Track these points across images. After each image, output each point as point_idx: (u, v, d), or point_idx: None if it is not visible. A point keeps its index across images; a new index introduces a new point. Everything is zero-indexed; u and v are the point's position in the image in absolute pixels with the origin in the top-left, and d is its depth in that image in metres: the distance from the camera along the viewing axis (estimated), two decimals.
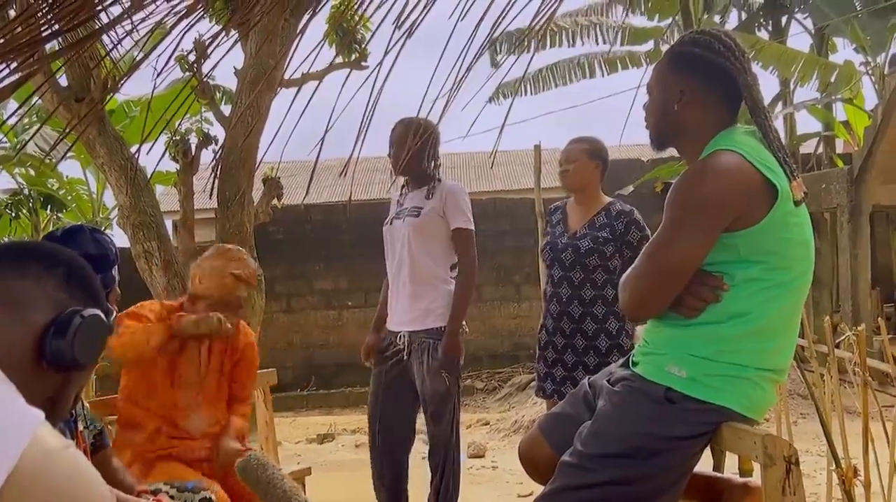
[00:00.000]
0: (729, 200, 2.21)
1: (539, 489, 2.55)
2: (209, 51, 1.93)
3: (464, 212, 4.20)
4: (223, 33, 1.94)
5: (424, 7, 1.80)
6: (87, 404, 2.81)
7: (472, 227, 4.22)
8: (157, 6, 1.91)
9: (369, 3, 1.84)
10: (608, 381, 2.50)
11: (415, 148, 4.10)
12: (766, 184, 2.22)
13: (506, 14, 1.80)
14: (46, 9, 1.91)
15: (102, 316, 1.36)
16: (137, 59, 1.97)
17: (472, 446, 7.70)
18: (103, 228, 15.43)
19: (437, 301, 4.18)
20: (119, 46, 2.21)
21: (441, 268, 4.22)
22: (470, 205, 4.25)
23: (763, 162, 2.24)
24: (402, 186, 4.39)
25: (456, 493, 4.24)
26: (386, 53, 1.79)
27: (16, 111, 2.98)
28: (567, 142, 4.35)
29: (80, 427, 2.67)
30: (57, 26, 1.93)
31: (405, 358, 4.19)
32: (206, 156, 8.47)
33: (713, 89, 2.38)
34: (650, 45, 15.70)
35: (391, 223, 4.31)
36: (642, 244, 4.17)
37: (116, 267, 2.64)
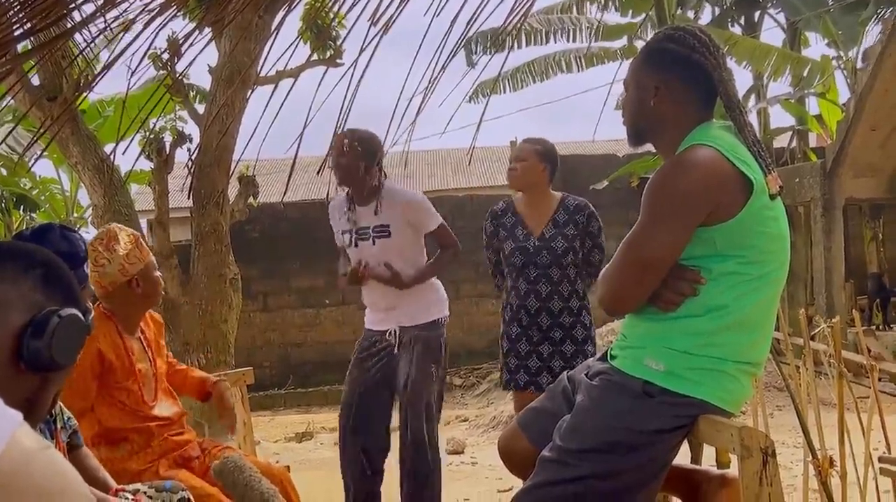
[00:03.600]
0: (704, 194, 2.22)
1: (518, 484, 2.57)
2: (183, 49, 1.92)
3: (430, 214, 4.26)
4: (197, 31, 1.93)
5: (399, 4, 1.80)
6: (61, 403, 2.79)
7: (441, 219, 4.29)
8: (130, 4, 1.90)
9: (344, 1, 1.83)
10: (586, 375, 2.51)
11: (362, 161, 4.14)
12: (742, 178, 2.23)
13: (480, 11, 1.80)
14: (18, 7, 1.89)
15: (80, 315, 1.35)
16: (111, 57, 1.96)
17: (451, 442, 7.71)
18: (78, 228, 15.34)
19: (429, 296, 4.25)
20: (92, 45, 2.20)
21: (414, 270, 4.24)
22: (428, 201, 4.32)
23: (738, 156, 2.26)
24: (349, 202, 4.31)
25: (430, 493, 4.23)
26: (361, 51, 1.79)
27: None
28: (521, 141, 4.44)
29: (59, 426, 2.66)
30: (29, 25, 1.91)
31: (395, 351, 4.18)
32: (181, 154, 8.42)
33: (688, 85, 2.39)
34: (625, 40, 15.75)
35: (356, 245, 4.24)
36: (601, 233, 4.28)
37: (87, 264, 2.64)
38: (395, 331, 4.20)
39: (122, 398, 3.21)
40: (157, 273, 3.38)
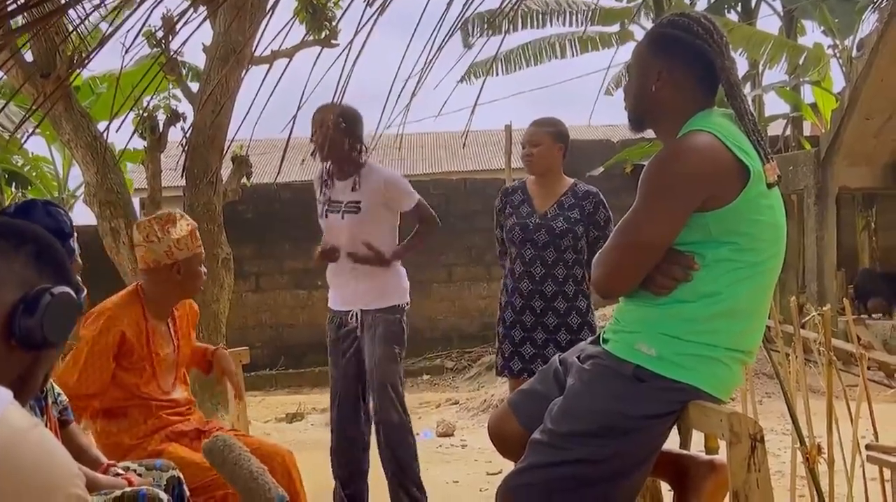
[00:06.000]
0: (700, 179, 2.23)
1: (508, 466, 2.57)
2: (178, 27, 1.91)
3: (408, 193, 4.31)
4: (192, 9, 1.92)
5: None
6: (52, 380, 2.79)
7: (418, 196, 4.36)
8: None
9: None
10: (578, 358, 2.52)
11: (334, 134, 4.16)
12: (739, 165, 2.24)
13: None
14: None
15: (72, 293, 1.35)
16: (105, 34, 1.95)
17: (441, 425, 7.73)
18: (68, 206, 15.30)
19: (390, 280, 4.28)
20: (86, 21, 2.18)
21: (389, 251, 4.28)
22: (406, 181, 4.38)
23: (736, 143, 2.27)
24: (326, 174, 4.35)
25: (412, 470, 4.27)
26: (357, 32, 1.78)
27: None
28: (529, 124, 4.36)
29: (49, 402, 2.66)
30: (23, 0, 1.90)
31: (358, 334, 4.25)
32: (175, 133, 8.38)
33: (691, 71, 2.39)
34: (620, 25, 15.71)
35: (326, 216, 4.31)
36: (608, 224, 4.21)
37: (74, 239, 2.64)
38: (356, 314, 4.26)
39: (131, 379, 3.24)
40: (203, 268, 3.43)
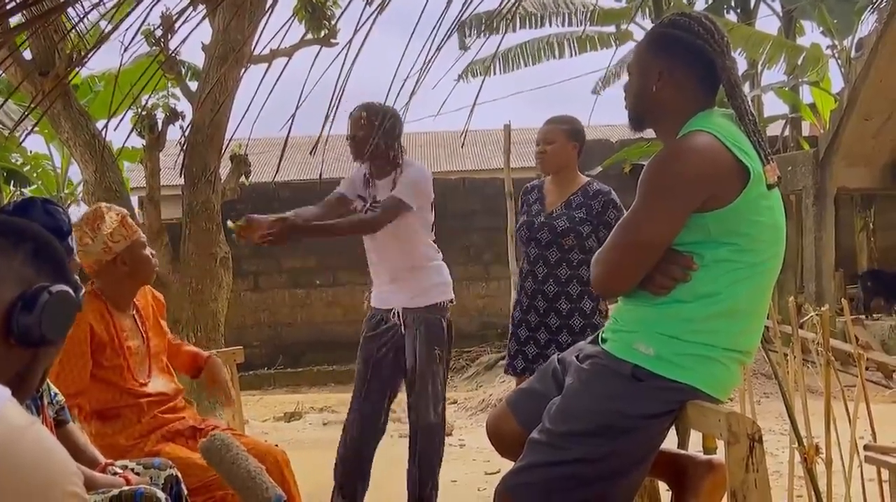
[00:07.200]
0: (700, 180, 2.23)
1: (506, 466, 2.57)
2: (176, 25, 1.91)
3: (409, 189, 4.09)
4: (191, 7, 1.91)
5: None
6: (49, 380, 2.79)
7: (408, 203, 4.06)
8: None
9: None
10: (577, 358, 2.52)
11: (377, 135, 4.06)
12: (739, 166, 2.24)
13: None
14: None
15: (70, 291, 1.35)
16: (104, 32, 1.94)
17: None
18: (68, 204, 15.28)
19: (432, 278, 4.21)
20: (85, 19, 2.18)
21: (428, 247, 4.24)
22: (423, 188, 4.17)
23: (737, 144, 2.27)
24: (368, 174, 4.27)
25: (434, 472, 4.23)
26: (356, 31, 1.78)
27: None
28: (543, 122, 4.32)
29: (45, 402, 2.66)
30: None
31: (401, 331, 4.18)
32: (173, 132, 8.38)
33: (692, 71, 2.39)
34: (620, 26, 15.72)
35: (366, 214, 4.25)
36: None
37: (72, 237, 2.64)
38: (398, 313, 4.19)
39: (113, 377, 3.22)
40: (147, 251, 3.37)
